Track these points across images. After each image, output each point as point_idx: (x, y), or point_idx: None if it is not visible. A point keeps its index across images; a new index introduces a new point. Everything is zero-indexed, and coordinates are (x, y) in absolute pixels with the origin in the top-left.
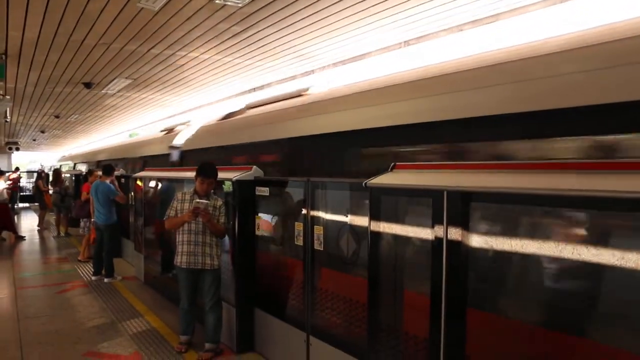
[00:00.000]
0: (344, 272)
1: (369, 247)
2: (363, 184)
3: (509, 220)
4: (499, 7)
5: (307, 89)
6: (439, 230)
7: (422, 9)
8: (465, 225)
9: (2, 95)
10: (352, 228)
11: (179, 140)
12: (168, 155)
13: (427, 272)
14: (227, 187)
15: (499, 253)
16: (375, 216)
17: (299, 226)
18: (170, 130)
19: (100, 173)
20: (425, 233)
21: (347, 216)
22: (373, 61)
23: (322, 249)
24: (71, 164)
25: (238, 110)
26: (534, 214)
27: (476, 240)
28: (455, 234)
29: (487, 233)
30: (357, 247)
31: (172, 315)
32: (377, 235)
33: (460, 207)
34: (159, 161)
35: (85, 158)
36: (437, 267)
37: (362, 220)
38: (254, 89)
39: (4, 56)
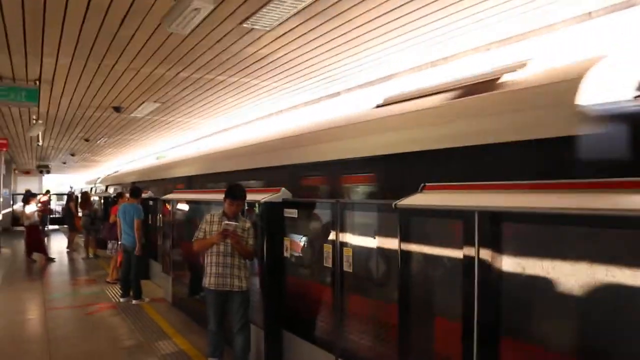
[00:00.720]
0: (373, 294)
1: (399, 269)
2: (393, 205)
3: (544, 241)
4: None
5: None
6: (470, 252)
7: (450, 29)
8: (498, 246)
9: (35, 119)
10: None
11: None
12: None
13: (458, 295)
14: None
15: (533, 276)
16: (404, 238)
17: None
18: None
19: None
20: (456, 255)
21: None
22: (400, 82)
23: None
24: (104, 185)
25: None
26: (571, 234)
27: (509, 263)
28: (487, 255)
29: (521, 255)
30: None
31: (200, 337)
32: (407, 256)
33: (492, 228)
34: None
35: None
36: (468, 290)
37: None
38: (281, 111)
39: (37, 82)
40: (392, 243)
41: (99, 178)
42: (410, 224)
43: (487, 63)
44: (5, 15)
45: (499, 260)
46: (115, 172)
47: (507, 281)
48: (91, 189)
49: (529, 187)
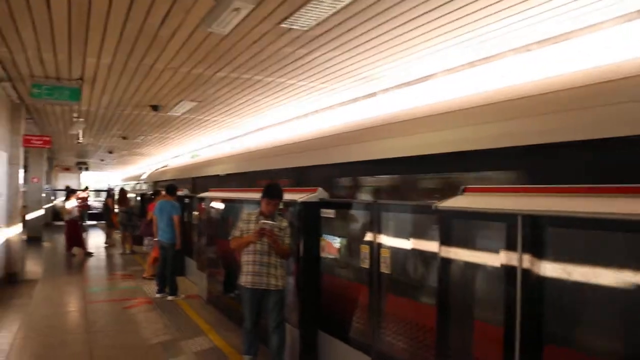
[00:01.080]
0: (411, 296)
1: (438, 272)
2: (432, 207)
3: (590, 247)
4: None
5: None
6: (513, 258)
7: (489, 29)
8: (542, 252)
9: (76, 117)
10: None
11: None
12: None
13: (499, 300)
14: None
15: (578, 284)
16: (444, 241)
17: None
18: None
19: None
20: (497, 260)
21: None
22: (437, 83)
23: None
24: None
25: None
26: (620, 241)
27: (554, 269)
28: (530, 261)
29: (566, 261)
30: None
31: (235, 335)
32: (446, 260)
33: (536, 233)
34: None
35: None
36: (510, 296)
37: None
38: (317, 111)
39: (80, 81)
40: (433, 246)
41: (143, 174)
42: (451, 227)
43: (527, 64)
44: (53, 16)
45: (542, 266)
46: (164, 166)
47: (551, 288)
48: (131, 187)
49: (575, 191)
